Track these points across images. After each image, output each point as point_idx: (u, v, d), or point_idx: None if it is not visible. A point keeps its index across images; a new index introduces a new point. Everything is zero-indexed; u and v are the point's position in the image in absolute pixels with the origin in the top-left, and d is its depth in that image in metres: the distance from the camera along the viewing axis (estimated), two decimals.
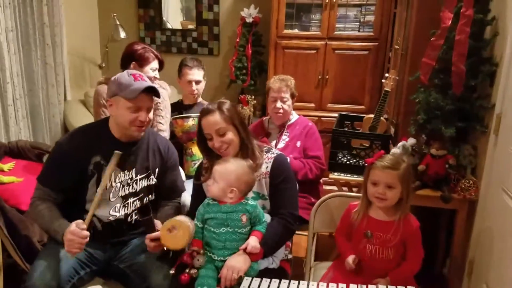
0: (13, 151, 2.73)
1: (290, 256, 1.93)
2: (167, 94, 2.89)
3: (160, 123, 2.73)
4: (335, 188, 2.88)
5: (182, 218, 1.67)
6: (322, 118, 3.90)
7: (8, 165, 2.59)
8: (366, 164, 1.82)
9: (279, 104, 2.55)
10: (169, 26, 4.60)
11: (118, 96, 1.78)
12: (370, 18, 3.79)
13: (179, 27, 4.59)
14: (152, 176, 1.93)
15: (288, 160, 2.41)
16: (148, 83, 1.81)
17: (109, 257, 1.86)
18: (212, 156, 1.87)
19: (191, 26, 4.52)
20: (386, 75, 2.92)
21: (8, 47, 3.00)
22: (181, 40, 4.57)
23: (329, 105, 3.94)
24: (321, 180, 2.69)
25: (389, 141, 2.78)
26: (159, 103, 2.75)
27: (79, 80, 4.25)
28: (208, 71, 4.44)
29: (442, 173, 2.35)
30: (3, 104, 3.00)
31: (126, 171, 1.87)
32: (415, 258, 1.74)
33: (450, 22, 2.25)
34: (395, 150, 2.57)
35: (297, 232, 2.68)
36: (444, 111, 2.30)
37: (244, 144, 1.83)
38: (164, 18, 4.58)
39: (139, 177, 1.90)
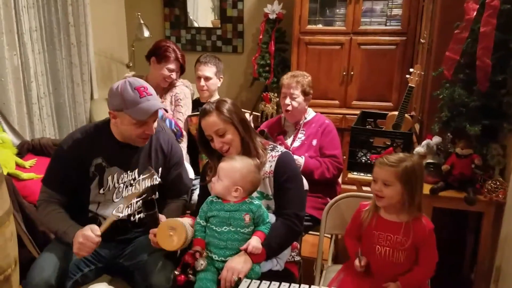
0: (36, 148, 2.80)
1: (297, 258, 1.86)
2: (189, 93, 2.89)
3: (179, 119, 2.74)
4: (354, 187, 2.79)
5: (183, 220, 1.64)
6: (346, 116, 3.79)
7: (29, 162, 2.65)
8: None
9: (287, 101, 2.48)
10: (195, 24, 4.60)
11: (123, 112, 1.74)
12: (398, 11, 3.65)
13: (210, 26, 4.56)
14: (155, 176, 1.90)
15: (303, 159, 2.36)
16: (156, 102, 1.77)
17: (114, 255, 1.86)
18: (214, 156, 1.83)
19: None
20: (411, 70, 2.79)
21: (32, 46, 3.08)
22: (206, 38, 4.56)
23: (354, 102, 3.82)
24: (339, 180, 2.60)
25: (412, 140, 2.66)
26: (180, 99, 2.76)
27: (106, 79, 4.32)
28: (232, 69, 4.46)
29: (467, 173, 2.21)
30: (28, 102, 3.08)
31: (129, 172, 1.85)
32: (428, 262, 1.64)
33: (474, 14, 2.11)
34: (419, 149, 2.46)
35: (314, 233, 2.61)
36: (469, 108, 2.17)
37: (245, 143, 1.78)
38: (191, 17, 4.59)
39: (141, 177, 1.87)
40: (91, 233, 1.63)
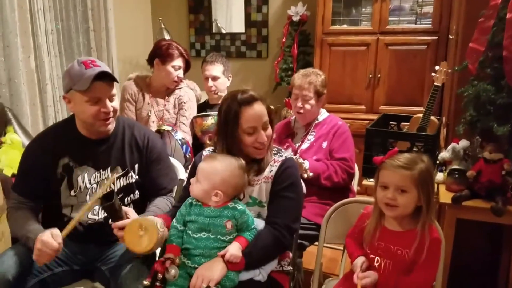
0: None
1: (288, 268, 1.64)
2: (194, 95, 2.77)
3: (183, 123, 2.62)
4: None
5: (156, 220, 1.48)
6: None
7: None
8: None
9: (299, 103, 2.29)
10: (223, 31, 4.54)
11: (72, 91, 1.60)
12: (429, 9, 3.41)
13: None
14: (131, 174, 1.75)
15: (306, 163, 2.15)
16: (102, 68, 1.60)
17: (93, 258, 1.71)
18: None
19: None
20: (436, 68, 2.55)
21: (48, 49, 3.10)
22: (230, 44, 4.49)
23: (382, 107, 3.57)
24: (354, 189, 2.37)
25: (438, 143, 2.41)
26: (184, 102, 2.64)
27: None
28: (257, 74, 4.34)
29: (497, 180, 1.95)
30: (43, 104, 3.09)
31: (101, 171, 1.71)
32: (426, 270, 1.41)
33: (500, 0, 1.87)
34: (444, 154, 2.21)
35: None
36: (496, 105, 1.92)
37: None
38: (219, 25, 4.53)
39: (116, 175, 1.72)
40: (51, 239, 1.47)
